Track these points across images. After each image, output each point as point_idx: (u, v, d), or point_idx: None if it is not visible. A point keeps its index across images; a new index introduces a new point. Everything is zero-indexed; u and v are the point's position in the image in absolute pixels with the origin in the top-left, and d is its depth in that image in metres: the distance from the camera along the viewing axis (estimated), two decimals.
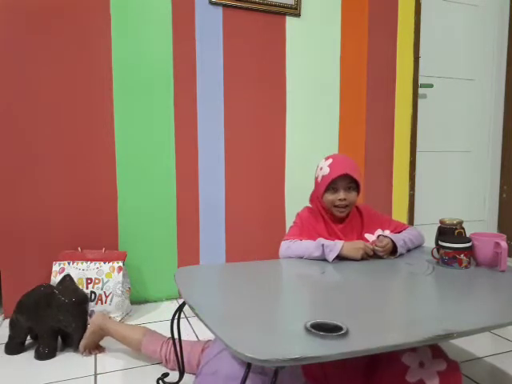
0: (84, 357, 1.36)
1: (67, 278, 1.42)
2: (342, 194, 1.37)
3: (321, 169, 1.42)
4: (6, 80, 1.64)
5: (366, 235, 1.43)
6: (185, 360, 1.20)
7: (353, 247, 1.30)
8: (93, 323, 1.40)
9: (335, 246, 1.28)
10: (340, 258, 1.29)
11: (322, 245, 1.29)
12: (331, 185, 1.38)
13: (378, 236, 1.39)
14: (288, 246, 1.35)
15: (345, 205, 1.38)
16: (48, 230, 1.73)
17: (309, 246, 1.31)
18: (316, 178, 1.45)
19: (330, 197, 1.39)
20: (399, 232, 1.45)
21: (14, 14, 1.63)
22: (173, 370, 1.25)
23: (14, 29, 1.64)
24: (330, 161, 1.40)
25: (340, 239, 1.35)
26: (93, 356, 1.37)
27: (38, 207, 1.71)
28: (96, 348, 1.40)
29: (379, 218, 1.48)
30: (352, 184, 1.40)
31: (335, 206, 1.39)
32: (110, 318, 1.47)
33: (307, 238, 1.37)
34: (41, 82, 1.69)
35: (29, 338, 1.41)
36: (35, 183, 1.70)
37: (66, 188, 1.75)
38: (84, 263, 1.66)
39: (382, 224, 1.46)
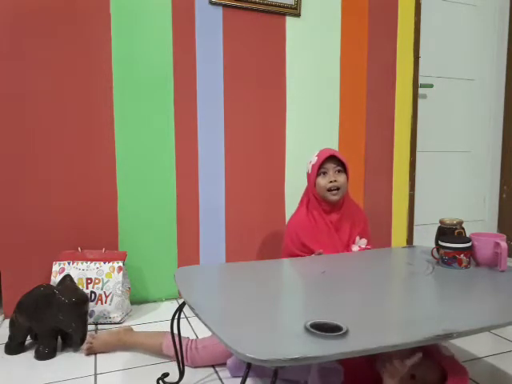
0: (85, 356, 1.36)
1: (67, 278, 1.42)
2: (331, 175, 1.49)
3: (310, 162, 1.56)
4: (6, 80, 1.64)
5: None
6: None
7: None
8: (116, 337, 1.38)
9: None
10: None
11: None
12: (321, 169, 1.50)
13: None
14: None
15: (336, 187, 1.48)
16: (48, 230, 1.73)
17: None
18: (307, 173, 1.57)
19: (321, 181, 1.49)
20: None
21: (14, 14, 1.63)
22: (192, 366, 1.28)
23: (14, 29, 1.64)
24: (317, 152, 1.56)
25: (331, 233, 1.48)
26: (93, 356, 1.37)
27: (38, 207, 1.71)
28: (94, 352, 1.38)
29: (363, 226, 1.57)
30: (340, 167, 1.51)
31: (328, 191, 1.48)
32: (130, 330, 1.44)
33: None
34: (41, 82, 1.69)
35: (29, 338, 1.41)
36: (35, 183, 1.70)
37: (66, 188, 1.75)
38: (84, 263, 1.66)
39: (362, 231, 1.55)
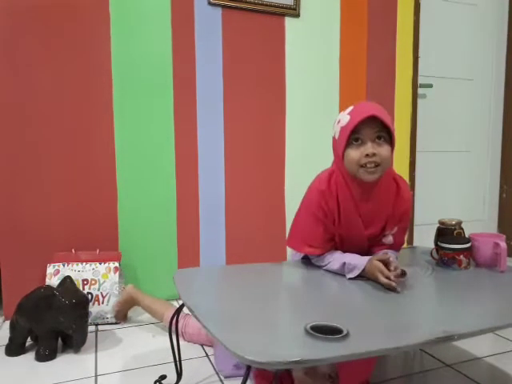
0: (85, 357, 1.36)
1: (67, 280, 1.42)
2: (369, 147, 1.02)
3: (338, 122, 1.07)
4: (6, 81, 1.64)
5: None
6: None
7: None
8: (126, 293, 1.62)
9: (355, 268, 1.07)
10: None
11: (344, 263, 1.10)
12: (354, 135, 1.03)
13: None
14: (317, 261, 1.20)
15: (375, 163, 1.03)
16: (48, 231, 1.72)
17: (332, 268, 1.14)
18: (333, 138, 1.10)
19: (353, 153, 1.03)
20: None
21: (13, 13, 1.63)
22: (189, 341, 1.45)
23: (13, 29, 1.63)
24: (351, 108, 1.07)
25: (359, 227, 1.11)
26: (93, 357, 1.37)
27: (38, 208, 1.71)
28: (125, 317, 1.64)
29: (402, 223, 1.21)
30: (383, 133, 1.04)
31: (362, 167, 1.04)
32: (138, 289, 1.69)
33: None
34: (40, 82, 1.68)
35: (29, 339, 1.40)
36: (34, 183, 1.70)
37: (66, 188, 1.75)
38: (79, 264, 1.66)
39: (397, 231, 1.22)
